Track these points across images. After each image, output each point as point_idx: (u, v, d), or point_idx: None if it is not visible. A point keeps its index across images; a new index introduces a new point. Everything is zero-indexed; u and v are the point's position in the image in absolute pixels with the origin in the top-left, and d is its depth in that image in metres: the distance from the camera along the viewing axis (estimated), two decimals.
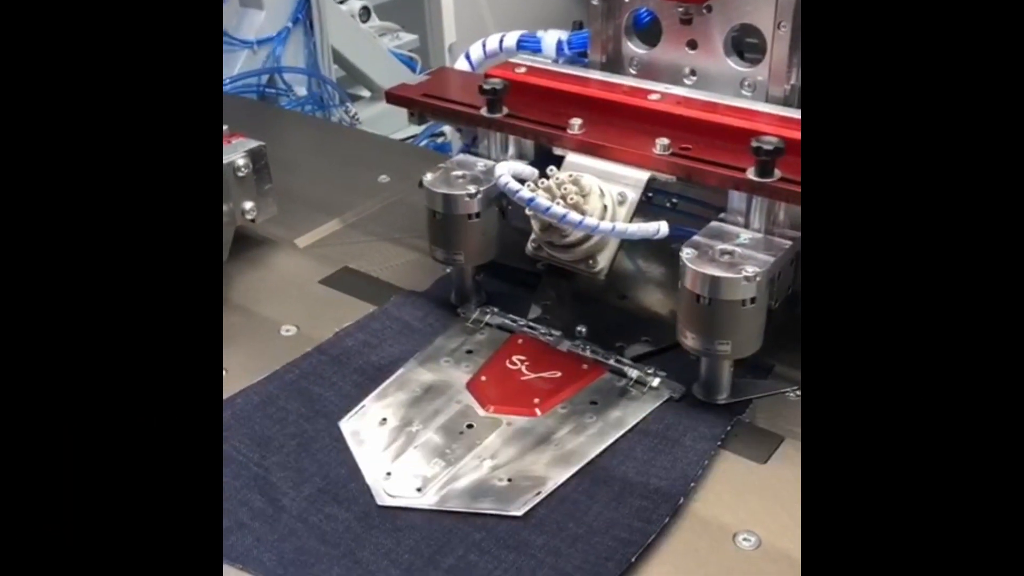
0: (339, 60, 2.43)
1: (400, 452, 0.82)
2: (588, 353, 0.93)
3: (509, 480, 0.79)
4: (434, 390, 0.90)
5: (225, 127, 1.09)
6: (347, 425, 0.86)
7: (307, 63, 2.29)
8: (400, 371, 0.92)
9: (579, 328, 0.97)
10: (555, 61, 1.11)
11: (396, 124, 2.43)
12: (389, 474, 0.80)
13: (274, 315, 1.02)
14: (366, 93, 2.65)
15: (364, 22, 2.67)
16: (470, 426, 0.85)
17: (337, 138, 1.70)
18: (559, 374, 0.91)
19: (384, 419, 0.86)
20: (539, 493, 0.77)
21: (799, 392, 0.88)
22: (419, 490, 0.78)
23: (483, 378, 0.91)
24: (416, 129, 2.26)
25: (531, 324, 0.97)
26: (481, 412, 0.87)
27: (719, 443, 0.81)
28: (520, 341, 0.95)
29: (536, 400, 0.87)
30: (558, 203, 0.84)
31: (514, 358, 0.93)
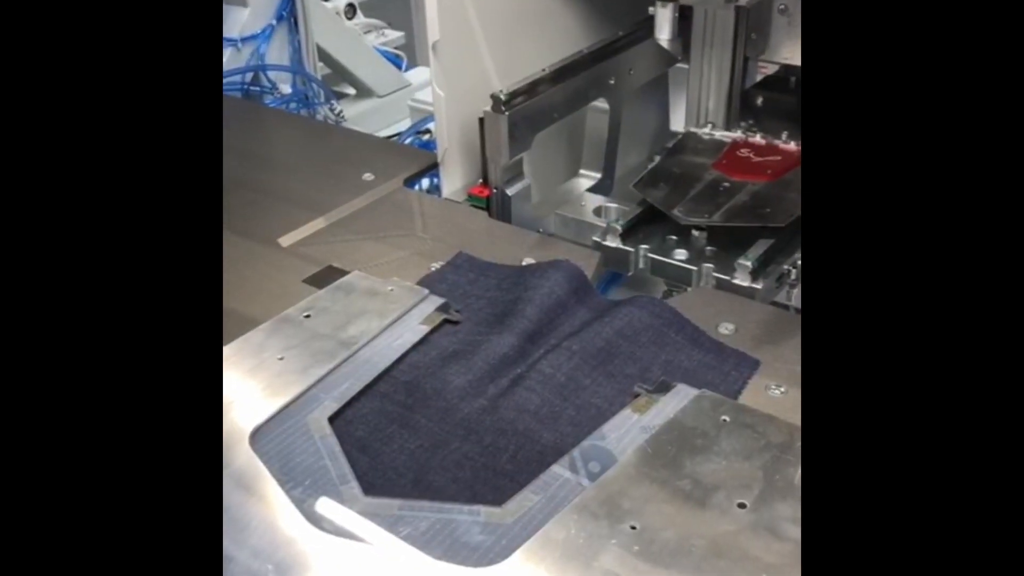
0: (324, 58, 2.43)
1: None
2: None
3: None
4: None
5: None
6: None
7: (292, 61, 2.28)
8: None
9: None
10: None
11: (381, 122, 2.43)
12: None
13: (257, 315, 1.02)
14: (351, 91, 2.64)
15: (349, 19, 2.66)
16: None
17: (321, 136, 1.69)
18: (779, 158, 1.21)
19: None
20: None
21: (783, 389, 0.88)
22: None
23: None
24: (401, 126, 2.25)
25: None
26: None
27: None
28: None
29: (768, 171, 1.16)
30: None
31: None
